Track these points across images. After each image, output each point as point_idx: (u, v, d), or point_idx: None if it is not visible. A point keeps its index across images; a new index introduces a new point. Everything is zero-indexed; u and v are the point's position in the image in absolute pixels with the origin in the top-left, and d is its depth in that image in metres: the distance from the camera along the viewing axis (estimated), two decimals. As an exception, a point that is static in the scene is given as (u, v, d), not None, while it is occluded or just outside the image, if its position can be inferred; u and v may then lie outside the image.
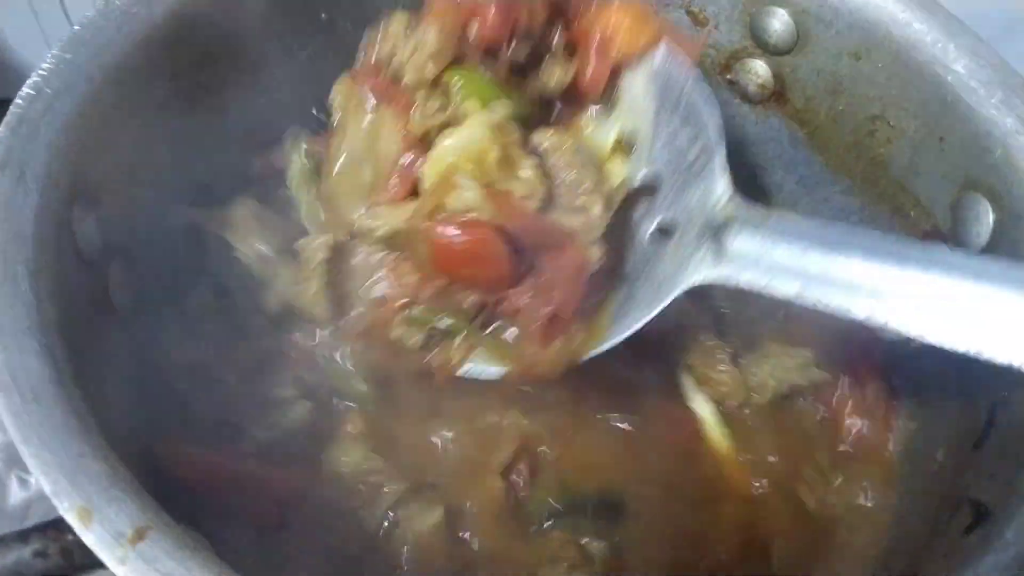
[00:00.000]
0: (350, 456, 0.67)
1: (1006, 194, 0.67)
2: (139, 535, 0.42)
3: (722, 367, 0.76)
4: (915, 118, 0.75)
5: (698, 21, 0.87)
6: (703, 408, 0.75)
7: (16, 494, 0.96)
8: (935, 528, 0.61)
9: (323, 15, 0.82)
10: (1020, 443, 0.57)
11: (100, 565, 0.42)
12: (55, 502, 0.43)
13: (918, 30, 0.73)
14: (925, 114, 0.74)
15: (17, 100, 0.60)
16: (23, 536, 0.44)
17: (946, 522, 0.58)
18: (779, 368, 0.76)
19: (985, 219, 0.68)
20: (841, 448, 0.74)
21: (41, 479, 0.43)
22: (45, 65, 0.62)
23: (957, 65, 0.71)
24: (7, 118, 0.59)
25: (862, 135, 0.81)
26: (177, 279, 0.75)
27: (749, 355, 0.77)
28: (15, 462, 0.96)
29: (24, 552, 0.43)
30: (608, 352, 0.66)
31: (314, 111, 0.85)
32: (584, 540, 0.66)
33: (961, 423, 0.68)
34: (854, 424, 0.75)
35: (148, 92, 0.70)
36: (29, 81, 0.61)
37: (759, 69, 0.87)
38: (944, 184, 0.73)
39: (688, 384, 0.76)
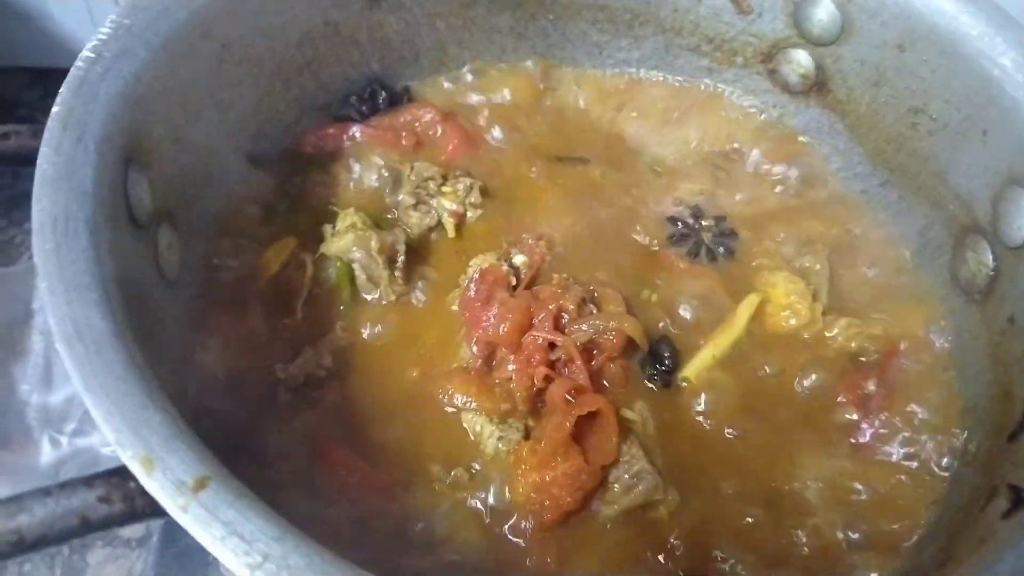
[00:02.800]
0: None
1: (1049, 189, 0.67)
2: (200, 484, 0.43)
3: (800, 299, 0.77)
4: (958, 111, 0.75)
5: (741, 9, 0.87)
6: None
7: (48, 453, 0.98)
8: (969, 514, 0.61)
9: (374, -9, 0.83)
10: (1059, 433, 0.57)
11: (162, 513, 0.43)
12: (118, 451, 0.44)
13: (964, 23, 0.73)
14: (969, 107, 0.74)
15: (78, 63, 0.61)
16: (88, 481, 0.45)
17: (981, 508, 0.59)
18: (859, 329, 0.77)
19: (1027, 213, 0.69)
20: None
21: (104, 428, 0.44)
22: (104, 30, 0.63)
23: (1004, 59, 0.71)
24: (68, 79, 0.60)
25: (903, 127, 0.81)
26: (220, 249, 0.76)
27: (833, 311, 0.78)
28: (48, 423, 0.98)
29: (89, 496, 0.44)
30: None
31: (353, 100, 0.87)
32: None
33: (995, 416, 0.68)
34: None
35: (201, 60, 0.71)
36: (89, 44, 0.62)
37: (801, 59, 0.87)
38: (986, 178, 0.73)
39: (750, 299, 0.78)
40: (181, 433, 0.46)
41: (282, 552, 0.41)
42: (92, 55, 0.61)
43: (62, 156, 0.56)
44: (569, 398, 0.67)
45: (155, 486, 0.43)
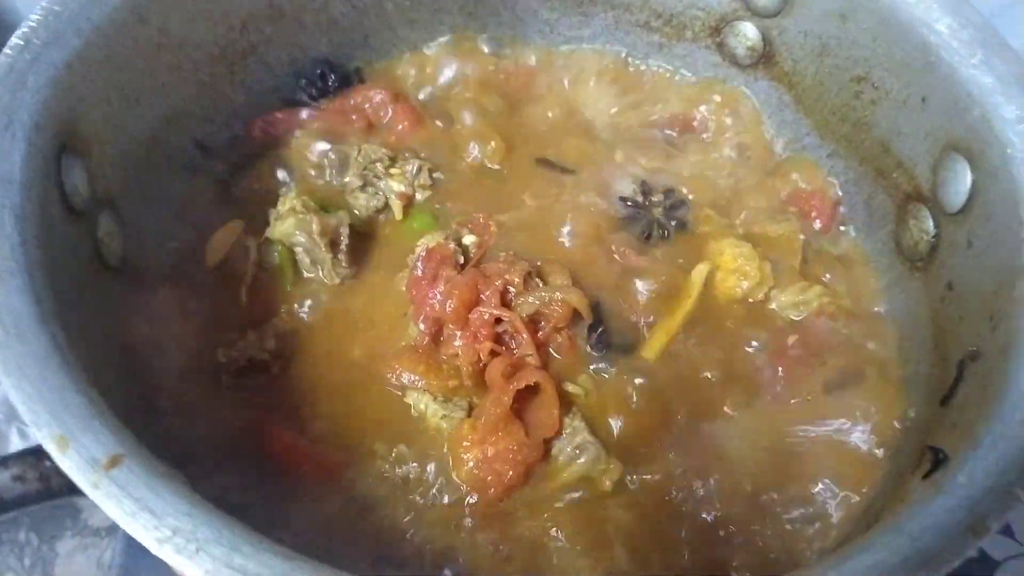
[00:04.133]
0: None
1: (983, 154, 0.67)
2: (113, 462, 0.44)
3: (747, 261, 0.78)
4: (898, 79, 0.75)
5: (688, -18, 0.87)
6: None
7: (16, 445, 0.98)
8: (902, 478, 0.62)
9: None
10: (983, 396, 0.57)
11: (77, 491, 0.44)
12: (34, 430, 0.44)
13: (902, -10, 0.73)
14: (908, 75, 0.74)
15: (6, 50, 0.61)
16: (2, 462, 0.46)
17: (912, 471, 0.60)
18: (813, 296, 0.77)
19: (964, 179, 0.69)
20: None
21: (21, 409, 0.45)
22: (34, 16, 0.63)
23: (940, 25, 0.71)
24: (-5, 66, 0.60)
25: (848, 97, 0.81)
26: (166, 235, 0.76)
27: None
28: (16, 415, 0.98)
29: (3, 476, 0.45)
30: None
31: (302, 83, 0.87)
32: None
33: (932, 382, 0.69)
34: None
35: (138, 46, 0.71)
36: (18, 32, 0.62)
37: (748, 32, 0.87)
38: (926, 145, 0.74)
39: (699, 270, 0.78)
40: (99, 414, 0.46)
41: (192, 526, 0.42)
42: (20, 42, 0.62)
43: (-11, 144, 0.56)
44: (509, 374, 0.68)
45: (69, 464, 0.44)
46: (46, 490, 0.45)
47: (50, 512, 0.97)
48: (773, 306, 0.78)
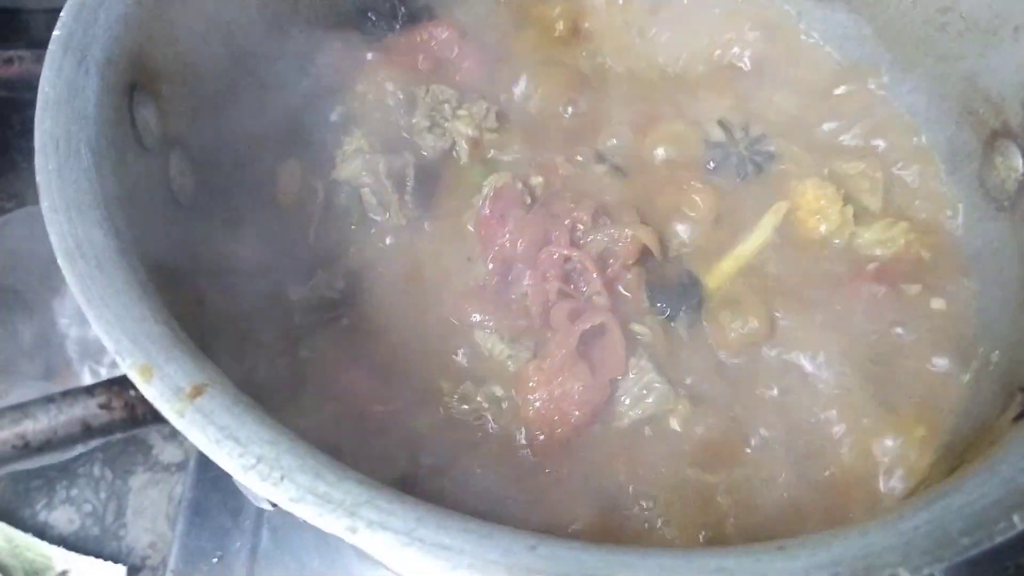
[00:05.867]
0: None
1: (1081, 86, 0.64)
2: (197, 391, 0.44)
3: (829, 203, 0.76)
4: (989, 7, 0.72)
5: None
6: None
7: (89, 383, 1.01)
8: (985, 424, 0.60)
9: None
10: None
11: (161, 419, 0.44)
12: (118, 360, 0.45)
13: (996, -90, 0.69)
14: (999, 2, 0.70)
15: (77, -13, 0.61)
16: (90, 390, 0.46)
17: (997, 417, 0.58)
18: (899, 232, 0.75)
19: (1057, 113, 0.66)
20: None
21: (104, 338, 0.45)
22: (104, -46, 0.63)
23: (1036, -52, 0.67)
24: (68, 4, 0.60)
25: (932, 29, 0.78)
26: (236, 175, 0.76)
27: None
28: (87, 354, 1.01)
29: (90, 404, 0.46)
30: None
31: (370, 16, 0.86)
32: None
33: (1018, 324, 0.66)
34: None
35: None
36: (88, -32, 0.62)
37: (824, -40, 0.84)
38: (1017, 78, 0.70)
39: (778, 207, 0.76)
40: (180, 343, 0.47)
41: (275, 454, 0.42)
42: (92, -21, 0.61)
43: (63, 79, 0.56)
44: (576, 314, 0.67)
45: (153, 392, 0.44)
46: (131, 419, 0.46)
47: (123, 448, 1.01)
48: (856, 244, 0.76)
